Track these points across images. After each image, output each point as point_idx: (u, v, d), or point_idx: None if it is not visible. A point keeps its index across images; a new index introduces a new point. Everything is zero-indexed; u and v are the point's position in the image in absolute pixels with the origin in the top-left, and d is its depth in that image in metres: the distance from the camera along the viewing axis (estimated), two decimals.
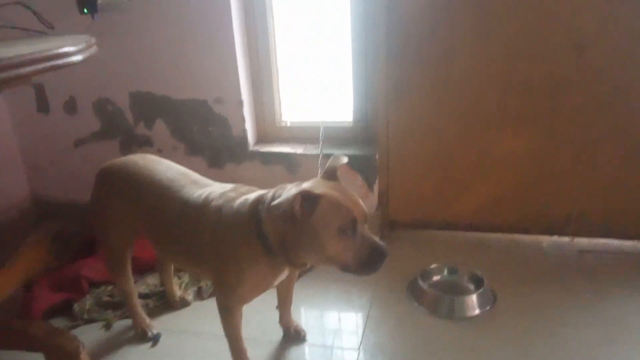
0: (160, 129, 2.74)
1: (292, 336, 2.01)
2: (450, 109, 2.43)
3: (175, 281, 2.35)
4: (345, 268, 1.42)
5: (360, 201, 1.45)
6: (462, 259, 2.42)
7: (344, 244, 1.37)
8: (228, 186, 1.67)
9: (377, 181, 2.63)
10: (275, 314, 2.02)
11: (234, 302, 1.62)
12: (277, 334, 2.03)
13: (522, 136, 2.40)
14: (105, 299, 2.28)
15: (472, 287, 2.26)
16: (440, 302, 2.13)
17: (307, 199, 1.36)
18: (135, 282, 2.39)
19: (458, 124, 2.45)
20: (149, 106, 2.73)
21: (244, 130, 2.67)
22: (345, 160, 1.58)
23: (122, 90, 2.73)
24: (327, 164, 1.55)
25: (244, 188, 1.65)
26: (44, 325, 1.86)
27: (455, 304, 2.12)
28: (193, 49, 2.55)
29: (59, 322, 2.18)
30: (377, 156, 2.58)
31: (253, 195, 1.55)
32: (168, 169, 1.80)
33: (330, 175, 1.52)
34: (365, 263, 1.39)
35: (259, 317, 2.09)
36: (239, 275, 1.54)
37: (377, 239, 1.41)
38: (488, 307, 2.13)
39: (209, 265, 1.61)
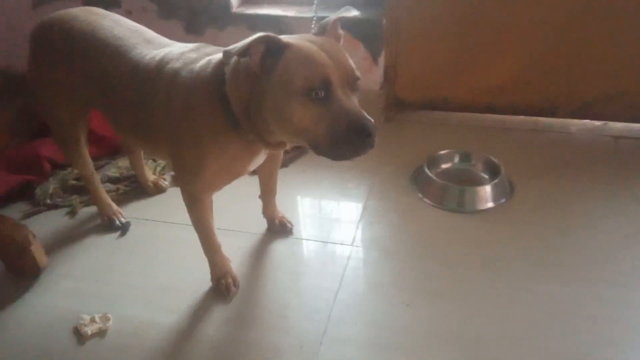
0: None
1: (277, 228, 1.77)
2: None
3: (150, 164, 2.09)
4: (315, 146, 1.09)
5: (348, 61, 1.11)
6: (477, 146, 2.10)
7: (314, 112, 1.06)
8: (190, 46, 1.33)
9: (383, 52, 2.23)
10: (258, 204, 1.76)
11: (199, 189, 1.35)
12: (261, 225, 1.79)
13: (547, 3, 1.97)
14: (72, 182, 2.03)
15: (486, 177, 1.97)
16: (448, 192, 1.85)
17: (270, 48, 1.06)
18: (106, 164, 2.15)
19: None
20: None
21: None
22: (353, 13, 1.22)
23: None
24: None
25: (210, 48, 1.31)
26: None
27: (465, 195, 1.84)
28: None
29: (18, 208, 1.95)
30: (383, 21, 2.16)
31: (218, 55, 1.21)
32: (115, 25, 1.44)
33: (321, 30, 1.18)
34: (339, 140, 1.05)
35: (238, 206, 1.86)
36: (200, 155, 1.25)
37: (360, 111, 1.07)
38: (503, 200, 1.85)
39: (164, 143, 1.31)
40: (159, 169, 2.10)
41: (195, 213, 1.42)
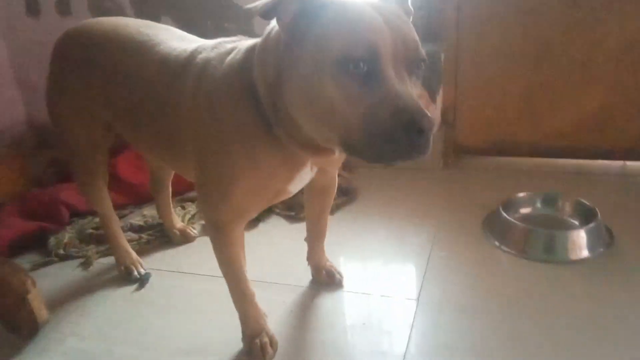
0: None
1: (324, 279, 1.45)
2: None
3: (178, 212, 1.84)
4: (346, 140, 0.81)
5: (412, 32, 0.83)
6: (559, 190, 1.77)
7: (349, 91, 0.78)
8: (227, 38, 1.09)
9: (441, 90, 1.99)
10: (303, 250, 1.46)
11: (226, 214, 1.05)
12: (304, 276, 1.48)
13: None
14: (90, 231, 1.79)
15: (577, 222, 1.62)
16: (533, 238, 1.51)
17: (306, 8, 0.80)
18: (130, 212, 1.92)
19: (557, 3, 1.78)
20: None
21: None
22: None
23: None
24: None
25: (250, 40, 1.05)
26: None
27: (555, 241, 1.49)
28: None
29: (29, 258, 1.71)
30: (442, 55, 1.94)
31: (252, 40, 0.98)
32: (142, 24, 1.26)
33: None
34: (379, 134, 0.76)
35: (278, 252, 1.58)
36: (228, 163, 0.97)
37: (415, 99, 0.78)
38: (601, 249, 1.49)
39: (190, 153, 1.05)
40: (187, 216, 1.85)
41: (222, 248, 1.13)
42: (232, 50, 1.01)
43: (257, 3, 0.80)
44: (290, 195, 1.10)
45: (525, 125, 1.99)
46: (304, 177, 1.07)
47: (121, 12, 2.25)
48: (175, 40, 1.17)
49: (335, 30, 0.78)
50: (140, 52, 1.15)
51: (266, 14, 0.80)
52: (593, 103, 1.87)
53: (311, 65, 0.80)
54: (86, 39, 1.26)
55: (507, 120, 2.01)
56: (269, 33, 0.90)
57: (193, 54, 1.06)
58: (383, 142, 0.77)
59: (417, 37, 0.84)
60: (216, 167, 0.98)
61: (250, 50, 0.95)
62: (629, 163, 1.95)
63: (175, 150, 1.11)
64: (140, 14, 2.23)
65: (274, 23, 0.89)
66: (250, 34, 2.11)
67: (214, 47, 1.04)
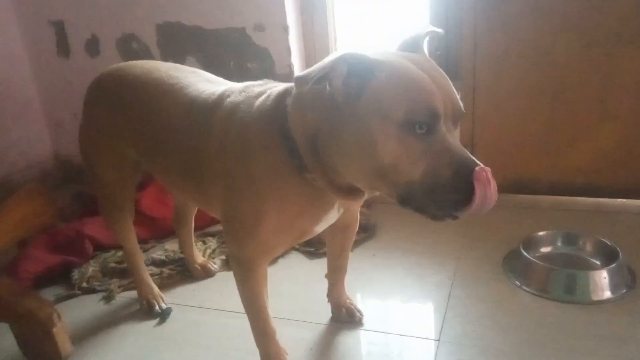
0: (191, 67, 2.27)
1: (344, 317, 1.45)
2: (563, 20, 1.79)
3: (199, 247, 1.87)
4: (406, 193, 0.85)
5: (453, 89, 0.88)
6: (579, 228, 1.77)
7: (412, 149, 0.83)
8: (254, 82, 1.14)
9: (459, 128, 2.01)
10: (323, 287, 1.47)
11: (253, 252, 1.08)
12: (324, 313, 1.48)
13: None
14: (113, 265, 1.82)
15: (598, 262, 1.61)
16: (554, 278, 1.50)
17: (354, 69, 0.83)
18: (152, 247, 1.96)
19: (573, 41, 1.80)
20: (179, 39, 2.27)
21: (290, 66, 2.14)
22: (437, 30, 1.01)
23: (148, 23, 2.30)
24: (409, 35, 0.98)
25: (276, 83, 1.11)
26: (9, 283, 1.40)
27: (577, 281, 1.48)
28: None
29: (53, 291, 1.74)
30: (460, 93, 1.97)
31: (282, 86, 1.02)
32: (172, 67, 1.32)
33: (410, 47, 0.95)
34: (442, 188, 0.82)
35: (298, 288, 1.58)
36: (257, 204, 1.00)
37: (469, 154, 0.83)
38: (624, 290, 1.48)
39: (218, 192, 1.08)
40: (209, 251, 1.87)
41: (247, 286, 1.14)
42: (260, 94, 1.05)
43: (308, 72, 0.82)
44: (316, 234, 1.13)
45: (544, 162, 2.00)
46: (331, 217, 1.09)
47: (148, 53, 2.33)
48: (204, 82, 1.22)
49: (396, 93, 0.82)
50: (170, 95, 1.20)
51: (319, 82, 0.83)
52: (610, 140, 1.88)
53: (371, 124, 0.83)
54: (119, 82, 1.32)
55: (525, 157, 2.02)
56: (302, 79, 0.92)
57: (221, 97, 1.10)
58: (444, 194, 0.82)
59: (457, 94, 0.88)
60: (244, 205, 1.01)
61: (281, 96, 0.98)
62: None
63: (201, 188, 1.14)
64: (166, 54, 2.31)
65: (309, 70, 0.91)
66: (272, 74, 2.17)
67: (241, 91, 1.09)
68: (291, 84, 0.98)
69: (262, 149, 0.98)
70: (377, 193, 0.96)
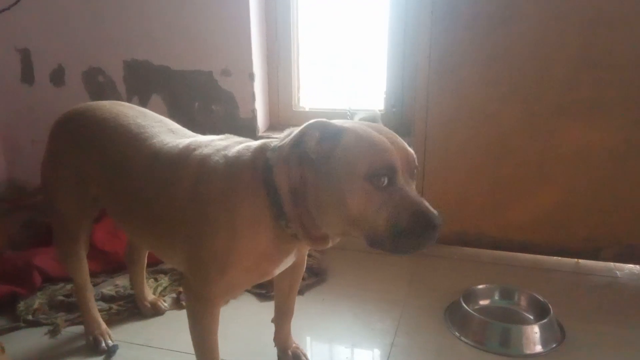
0: (156, 105, 2.33)
1: None
2: (508, 89, 1.94)
3: (150, 284, 1.88)
4: (373, 237, 0.98)
5: (408, 147, 1.03)
6: (515, 283, 1.88)
7: (375, 200, 0.96)
8: (216, 136, 1.23)
9: (415, 180, 2.12)
10: (271, 330, 1.51)
11: (216, 289, 1.14)
12: (271, 356, 1.52)
13: (599, 127, 1.90)
14: (60, 298, 1.80)
15: (531, 317, 1.72)
16: (490, 331, 1.59)
17: (326, 132, 1.00)
18: (102, 281, 1.95)
19: (517, 109, 1.96)
20: (145, 78, 2.32)
21: (253, 111, 2.23)
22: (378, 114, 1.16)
23: (116, 58, 2.35)
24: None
25: (238, 138, 1.22)
26: None
27: (510, 334, 1.58)
28: (199, 9, 2.16)
29: None
30: (411, 148, 2.10)
31: (256, 142, 1.13)
32: (140, 114, 1.38)
33: (370, 119, 1.12)
34: (402, 231, 0.95)
35: (246, 331, 1.60)
36: (232, 248, 1.08)
37: (424, 201, 0.97)
38: (554, 345, 1.58)
39: (182, 237, 1.14)
40: (160, 289, 1.88)
41: (203, 324, 1.20)
42: (227, 147, 1.14)
43: (285, 139, 1.01)
44: (272, 277, 1.20)
45: (487, 218, 2.12)
46: (289, 260, 1.18)
47: (113, 88, 2.37)
48: (168, 134, 1.29)
49: (359, 152, 0.97)
50: (135, 144, 1.26)
51: (296, 145, 0.99)
52: (549, 202, 2.02)
53: (341, 178, 0.97)
54: (87, 122, 1.37)
55: (471, 213, 2.13)
56: (282, 147, 1.02)
57: (187, 149, 1.18)
58: (406, 237, 0.95)
59: (411, 150, 1.03)
60: (219, 244, 1.08)
61: (260, 151, 1.08)
62: (581, 261, 2.08)
63: (162, 234, 1.20)
64: (132, 91, 2.35)
65: (286, 133, 1.05)
66: (236, 117, 2.24)
67: (207, 144, 1.17)
68: (264, 140, 1.12)
69: (245, 200, 1.06)
70: (340, 239, 1.10)
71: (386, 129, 1.05)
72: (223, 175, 1.09)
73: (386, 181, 0.96)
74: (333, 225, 1.02)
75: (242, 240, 1.07)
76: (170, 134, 1.29)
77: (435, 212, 0.95)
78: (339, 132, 1.00)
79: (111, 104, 1.42)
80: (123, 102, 1.46)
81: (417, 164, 1.04)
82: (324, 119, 1.00)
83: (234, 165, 1.09)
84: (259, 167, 1.07)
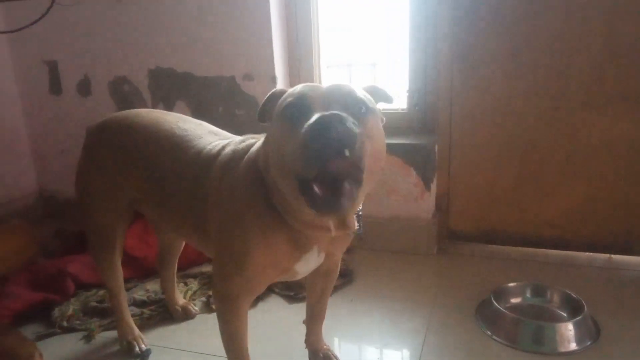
0: (180, 111, 2.35)
1: None
2: (532, 84, 1.93)
3: (180, 288, 1.90)
4: (297, 174, 0.90)
5: (346, 85, 0.98)
6: (547, 280, 1.85)
7: (289, 130, 0.93)
8: (255, 135, 1.26)
9: (435, 179, 2.12)
10: (301, 332, 1.51)
11: (237, 287, 1.16)
12: (302, 358, 1.52)
13: (625, 118, 1.87)
14: (94, 304, 1.84)
15: (564, 314, 1.69)
16: (523, 329, 1.57)
17: (273, 97, 1.07)
18: (133, 286, 1.98)
19: (542, 104, 1.93)
20: (170, 85, 2.36)
21: None
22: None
23: (140, 67, 2.38)
24: None
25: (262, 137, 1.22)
26: None
27: (544, 332, 1.55)
28: (221, 17, 2.18)
29: (31, 329, 1.75)
30: (436, 147, 2.09)
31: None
32: (180, 119, 1.41)
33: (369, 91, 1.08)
34: (306, 154, 0.85)
35: (276, 333, 1.62)
36: (244, 241, 1.09)
37: (326, 113, 0.87)
38: (589, 342, 1.55)
39: (213, 232, 1.18)
40: (189, 293, 1.90)
41: (230, 321, 1.21)
42: (253, 145, 1.17)
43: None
44: (298, 277, 1.21)
45: (515, 215, 2.10)
46: (311, 259, 1.16)
47: (138, 96, 2.41)
48: (209, 135, 1.33)
49: (281, 100, 1.01)
50: (181, 146, 1.30)
51: (260, 116, 1.09)
52: (577, 196, 1.99)
53: (273, 127, 1.01)
54: (127, 129, 1.39)
55: (498, 210, 2.11)
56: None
57: (222, 150, 1.22)
58: (310, 157, 0.84)
59: (353, 88, 0.97)
60: (233, 241, 1.10)
61: (260, 146, 1.12)
62: (613, 256, 2.04)
63: (200, 230, 1.24)
64: (156, 98, 2.39)
65: None
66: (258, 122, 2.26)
67: (238, 144, 1.21)
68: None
69: (245, 191, 1.10)
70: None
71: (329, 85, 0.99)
72: (237, 172, 1.14)
73: (297, 112, 0.93)
74: (281, 184, 0.97)
75: (249, 231, 1.09)
76: (212, 135, 1.33)
77: (329, 114, 0.85)
78: (281, 93, 1.04)
79: (147, 112, 1.45)
80: (157, 110, 1.50)
81: (357, 96, 0.95)
82: (279, 88, 1.07)
83: (240, 160, 1.15)
84: (256, 160, 1.10)
